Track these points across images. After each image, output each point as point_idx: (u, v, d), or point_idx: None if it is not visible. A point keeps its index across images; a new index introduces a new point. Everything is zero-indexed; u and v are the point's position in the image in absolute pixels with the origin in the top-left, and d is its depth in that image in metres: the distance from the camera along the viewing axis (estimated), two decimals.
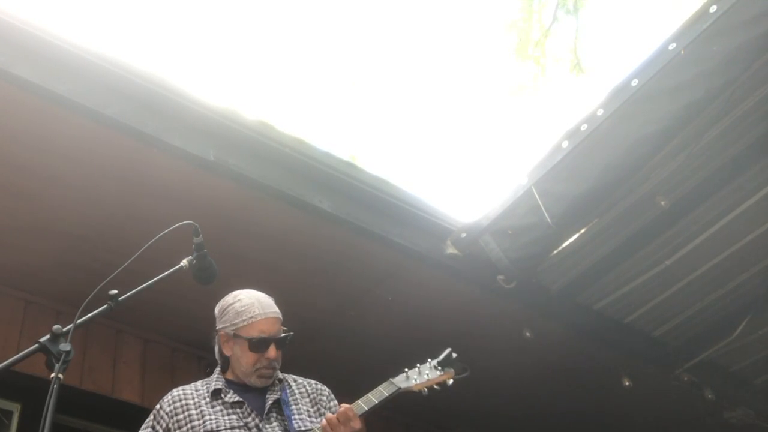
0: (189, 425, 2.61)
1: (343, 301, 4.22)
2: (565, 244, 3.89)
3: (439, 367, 2.73)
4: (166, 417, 2.65)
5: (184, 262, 2.47)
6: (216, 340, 2.80)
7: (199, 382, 2.80)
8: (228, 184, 3.46)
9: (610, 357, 4.57)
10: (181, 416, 2.63)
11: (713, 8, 3.08)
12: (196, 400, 2.68)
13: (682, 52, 3.16)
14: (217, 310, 2.81)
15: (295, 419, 2.66)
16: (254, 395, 2.70)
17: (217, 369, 2.82)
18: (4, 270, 3.88)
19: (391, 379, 2.70)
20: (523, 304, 4.17)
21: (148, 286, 2.38)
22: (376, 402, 2.62)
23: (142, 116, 3.23)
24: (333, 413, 2.61)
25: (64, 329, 2.03)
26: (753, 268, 4.11)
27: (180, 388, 2.75)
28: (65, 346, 1.99)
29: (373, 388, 5.29)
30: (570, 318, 4.32)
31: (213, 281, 2.59)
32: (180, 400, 2.68)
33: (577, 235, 3.87)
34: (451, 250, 3.93)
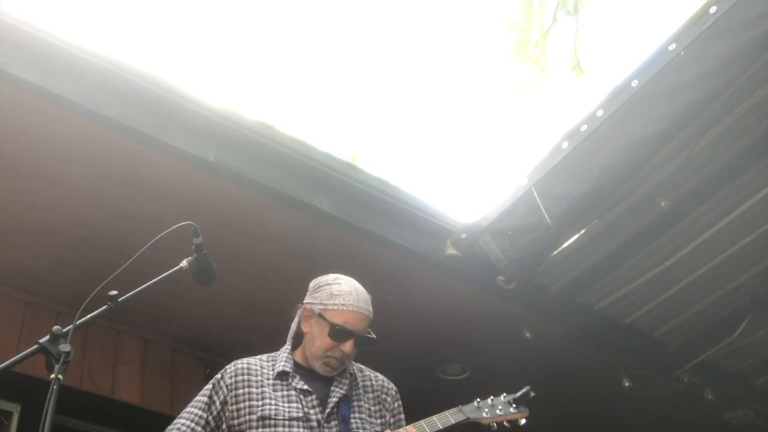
0: (247, 404, 2.49)
1: None
2: (565, 244, 3.89)
3: (515, 405, 2.57)
4: (225, 389, 2.53)
5: (184, 263, 2.46)
6: (297, 313, 2.70)
7: (264, 357, 2.67)
8: (228, 184, 3.46)
9: (610, 357, 4.57)
10: (241, 392, 2.52)
11: (713, 9, 3.08)
12: (259, 378, 2.55)
13: (682, 53, 3.16)
14: (312, 284, 2.71)
15: (354, 419, 2.56)
16: (321, 384, 2.58)
17: (287, 346, 2.68)
18: (3, 271, 3.88)
19: (460, 406, 2.58)
20: (523, 305, 4.18)
21: (148, 286, 2.37)
22: (441, 427, 2.50)
23: (142, 117, 3.22)
24: (395, 415, 2.59)
25: (64, 330, 2.03)
26: (753, 268, 4.11)
27: (245, 360, 2.62)
28: (65, 347, 1.99)
29: None
30: (570, 318, 4.32)
31: (213, 282, 2.58)
32: (243, 374, 2.56)
33: (577, 236, 3.88)
34: (451, 250, 3.93)
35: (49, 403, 1.89)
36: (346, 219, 3.70)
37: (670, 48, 3.19)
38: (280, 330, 4.54)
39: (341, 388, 2.60)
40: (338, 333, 2.55)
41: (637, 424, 5.40)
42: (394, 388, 2.78)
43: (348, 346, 2.56)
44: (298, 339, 2.69)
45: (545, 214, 3.56)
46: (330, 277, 2.68)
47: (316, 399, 2.53)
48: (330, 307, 2.57)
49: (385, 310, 4.30)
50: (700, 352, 4.55)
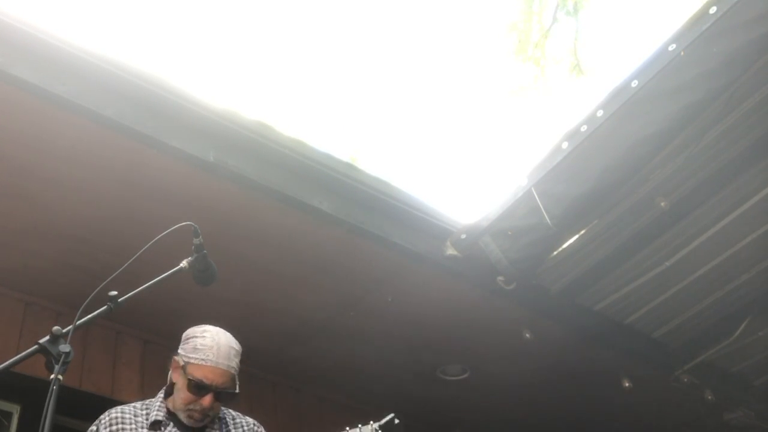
0: None
1: (342, 302, 4.22)
2: (565, 245, 3.89)
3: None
4: None
5: (184, 263, 2.47)
6: (170, 361, 2.72)
7: (138, 404, 2.72)
8: (228, 185, 3.46)
9: (610, 358, 4.57)
10: None
11: (713, 9, 3.08)
12: (133, 426, 2.60)
13: (682, 53, 3.16)
14: (183, 335, 2.74)
15: None
16: None
17: (161, 394, 2.73)
18: (3, 271, 3.87)
19: None
20: (523, 306, 4.17)
21: (147, 287, 2.38)
22: None
23: (142, 117, 3.22)
24: None
25: (64, 330, 2.03)
26: (753, 269, 4.10)
27: (119, 409, 2.68)
28: (65, 347, 2.00)
29: (371, 389, 5.31)
30: (570, 319, 4.32)
31: (213, 282, 2.59)
32: (117, 424, 2.61)
33: (576, 236, 3.87)
34: (450, 251, 3.93)
35: (49, 404, 1.90)
36: (346, 219, 3.70)
37: (670, 48, 3.19)
38: (279, 331, 4.56)
39: None
40: (196, 387, 2.58)
41: (637, 425, 5.40)
42: (263, 429, 2.83)
43: (206, 401, 2.58)
44: (171, 387, 2.71)
45: (545, 215, 3.55)
46: (198, 330, 2.69)
47: None
48: (192, 361, 2.59)
49: (384, 311, 4.32)
50: (700, 352, 4.55)
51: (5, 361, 2.00)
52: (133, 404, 2.72)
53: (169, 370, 2.73)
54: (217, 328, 2.70)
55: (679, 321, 4.38)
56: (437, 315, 4.30)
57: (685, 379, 4.61)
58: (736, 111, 3.43)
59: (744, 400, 4.86)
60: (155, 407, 2.68)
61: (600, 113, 3.38)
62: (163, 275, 2.43)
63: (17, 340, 3.84)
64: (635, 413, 5.22)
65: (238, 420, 2.80)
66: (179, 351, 2.68)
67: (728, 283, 4.17)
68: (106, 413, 2.67)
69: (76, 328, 2.07)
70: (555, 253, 3.90)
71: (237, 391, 2.65)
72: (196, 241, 2.48)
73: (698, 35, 3.11)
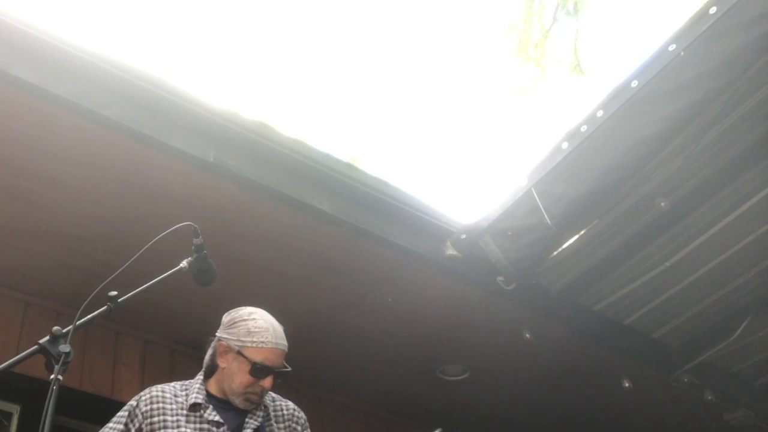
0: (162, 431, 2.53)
1: (342, 303, 4.22)
2: (565, 245, 3.89)
3: None
4: (141, 416, 2.55)
5: (184, 264, 2.47)
6: (212, 346, 2.69)
7: (178, 385, 2.69)
8: (228, 185, 3.46)
9: (610, 358, 4.57)
10: (156, 419, 2.54)
11: (713, 9, 3.08)
12: (174, 406, 2.58)
13: (682, 54, 3.16)
14: (226, 318, 2.70)
15: None
16: (234, 415, 2.61)
17: (200, 376, 2.71)
18: (3, 271, 3.87)
19: None
20: (523, 306, 4.17)
21: (147, 287, 2.38)
22: None
23: (142, 117, 3.22)
24: None
25: (64, 330, 2.03)
26: (753, 269, 4.10)
27: (159, 387, 2.65)
28: (65, 348, 2.00)
29: (371, 389, 5.30)
30: (570, 319, 4.32)
31: (213, 282, 2.59)
32: (158, 402, 2.58)
33: (576, 237, 3.87)
34: (450, 251, 3.93)
35: (49, 404, 1.90)
36: (346, 219, 3.70)
37: (670, 48, 3.19)
38: None
39: (256, 420, 2.63)
40: (259, 371, 2.57)
41: (637, 425, 5.40)
42: (304, 416, 2.81)
43: (267, 382, 2.59)
44: (212, 370, 2.70)
45: (545, 215, 3.55)
46: (245, 312, 2.67)
47: (228, 430, 2.56)
48: (249, 345, 2.57)
49: (385, 311, 4.32)
50: (700, 352, 4.55)
51: (5, 361, 2.00)
52: (172, 384, 2.70)
53: (209, 353, 2.69)
54: (259, 309, 2.69)
55: (679, 321, 4.38)
56: (437, 315, 4.30)
57: (685, 379, 4.61)
58: (736, 111, 3.43)
59: (744, 400, 4.86)
60: (194, 389, 2.65)
61: (600, 113, 3.39)
62: (163, 275, 2.43)
63: (17, 341, 3.84)
64: (635, 413, 5.22)
65: (278, 403, 2.77)
66: (224, 335, 2.63)
67: (728, 283, 4.17)
68: (147, 390, 2.64)
69: (76, 329, 2.07)
70: (555, 253, 3.90)
71: (290, 369, 2.65)
72: (196, 241, 2.48)
73: (698, 35, 3.11)
